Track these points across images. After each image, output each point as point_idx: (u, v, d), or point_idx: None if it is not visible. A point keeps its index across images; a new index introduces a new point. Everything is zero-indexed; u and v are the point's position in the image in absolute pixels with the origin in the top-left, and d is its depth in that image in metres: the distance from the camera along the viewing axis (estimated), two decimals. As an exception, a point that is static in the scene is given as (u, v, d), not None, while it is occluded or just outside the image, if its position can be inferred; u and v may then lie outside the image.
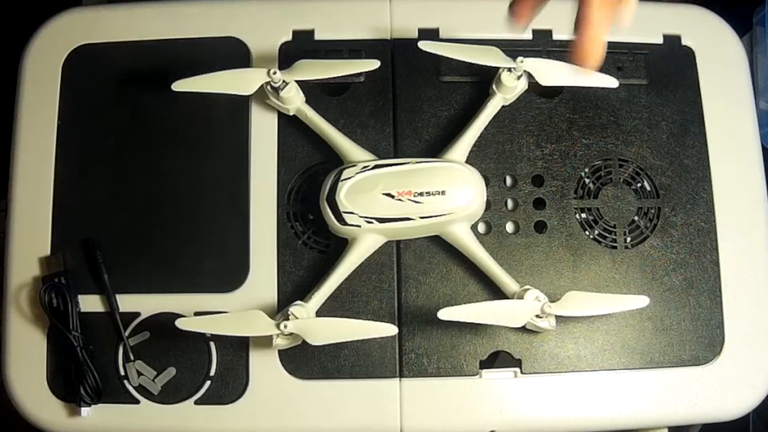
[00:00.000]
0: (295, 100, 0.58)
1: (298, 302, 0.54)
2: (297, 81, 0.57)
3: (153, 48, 0.61)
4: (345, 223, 0.54)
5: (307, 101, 0.59)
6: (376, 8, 0.63)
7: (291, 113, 0.59)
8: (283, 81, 0.56)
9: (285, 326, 0.52)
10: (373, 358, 0.57)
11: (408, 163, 0.55)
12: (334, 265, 0.56)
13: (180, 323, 0.53)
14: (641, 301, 0.55)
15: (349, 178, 0.55)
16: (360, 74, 0.61)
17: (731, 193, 0.60)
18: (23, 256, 0.58)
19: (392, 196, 0.54)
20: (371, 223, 0.54)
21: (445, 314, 0.52)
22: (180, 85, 0.56)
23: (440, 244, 0.58)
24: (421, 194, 0.54)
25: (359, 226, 0.55)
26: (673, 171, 0.61)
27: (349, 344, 0.56)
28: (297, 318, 0.53)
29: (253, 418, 0.56)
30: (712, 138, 0.61)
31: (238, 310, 0.56)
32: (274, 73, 0.56)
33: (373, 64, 0.58)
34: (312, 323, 0.53)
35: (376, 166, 0.55)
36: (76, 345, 0.55)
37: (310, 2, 0.63)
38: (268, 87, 0.57)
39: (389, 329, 0.53)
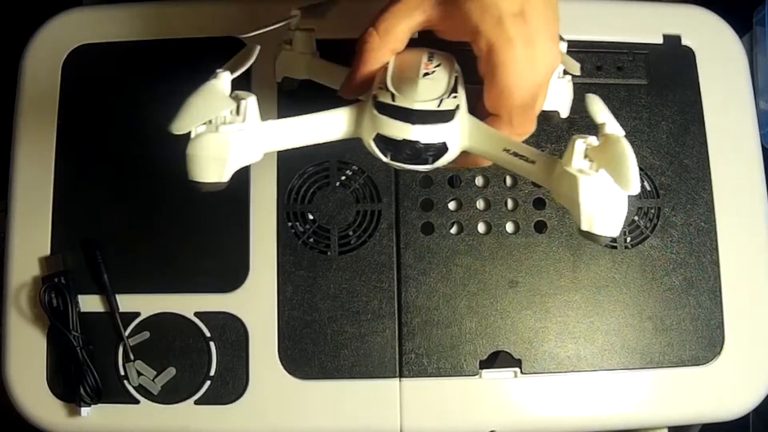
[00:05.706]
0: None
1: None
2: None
3: (153, 48, 0.61)
4: None
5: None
6: (376, 9, 0.62)
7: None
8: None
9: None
10: (373, 358, 0.57)
11: None
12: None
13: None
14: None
15: None
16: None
17: (731, 193, 0.60)
18: (23, 256, 0.58)
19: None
20: None
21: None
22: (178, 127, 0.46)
23: (440, 244, 0.58)
24: None
25: None
26: (673, 171, 0.61)
27: (349, 344, 0.56)
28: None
29: (253, 418, 0.56)
30: (712, 138, 0.61)
31: (238, 310, 0.57)
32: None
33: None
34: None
35: None
36: (76, 345, 0.55)
37: (310, 2, 0.63)
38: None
39: None
